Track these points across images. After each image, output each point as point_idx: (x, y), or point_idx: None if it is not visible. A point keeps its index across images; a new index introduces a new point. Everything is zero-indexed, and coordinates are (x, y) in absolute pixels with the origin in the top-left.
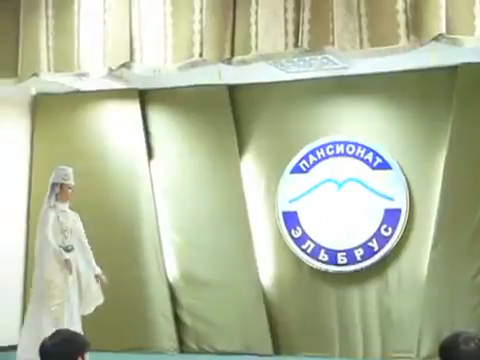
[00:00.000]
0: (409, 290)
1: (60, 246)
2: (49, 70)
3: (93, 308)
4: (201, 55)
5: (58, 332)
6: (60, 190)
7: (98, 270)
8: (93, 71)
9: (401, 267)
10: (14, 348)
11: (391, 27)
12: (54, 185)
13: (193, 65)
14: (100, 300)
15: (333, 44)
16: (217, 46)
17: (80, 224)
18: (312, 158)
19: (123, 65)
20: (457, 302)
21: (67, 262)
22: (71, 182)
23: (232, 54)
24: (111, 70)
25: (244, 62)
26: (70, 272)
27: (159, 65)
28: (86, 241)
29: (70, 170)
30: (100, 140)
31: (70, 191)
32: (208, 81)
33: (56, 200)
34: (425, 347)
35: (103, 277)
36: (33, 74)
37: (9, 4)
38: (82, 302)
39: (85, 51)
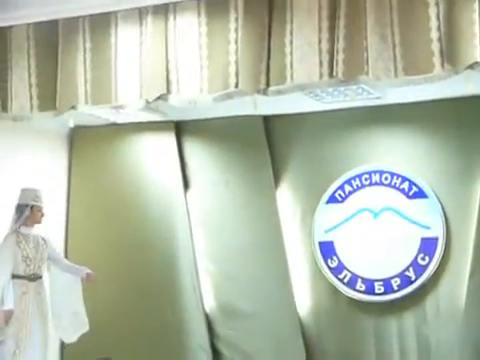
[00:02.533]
0: (447, 319)
1: (20, 276)
2: (86, 102)
3: (76, 336)
4: (237, 86)
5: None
6: (30, 213)
7: (85, 270)
8: (130, 103)
9: (439, 296)
10: None
11: (425, 56)
12: (23, 207)
13: (229, 96)
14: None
15: (367, 74)
16: (252, 77)
17: (50, 248)
18: (348, 188)
19: (159, 97)
20: None
21: (4, 314)
22: (42, 204)
23: (267, 84)
24: (148, 102)
25: (279, 92)
26: (5, 324)
27: (195, 96)
28: (64, 260)
29: (40, 191)
30: (137, 172)
31: (40, 214)
32: (243, 112)
33: (22, 224)
34: None
35: (92, 274)
36: (71, 107)
37: (47, 37)
38: (59, 330)
39: (122, 84)
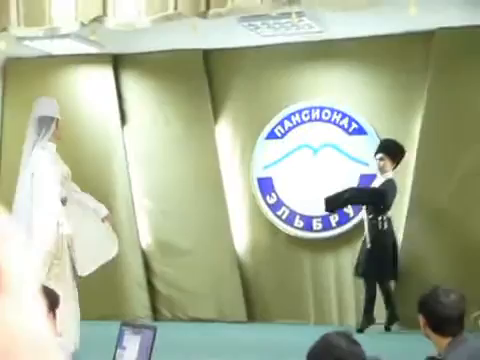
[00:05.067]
0: None
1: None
2: (19, 25)
3: (94, 266)
4: (176, 8)
5: None
6: (56, 127)
7: (104, 211)
8: (64, 26)
9: None
10: None
11: None
12: (48, 119)
13: (168, 18)
14: (111, 252)
15: None
16: None
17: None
18: (287, 124)
19: (95, 19)
20: (432, 269)
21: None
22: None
23: (207, 7)
24: (83, 24)
25: (220, 15)
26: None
27: (132, 19)
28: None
29: None
30: (73, 105)
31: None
32: (182, 45)
33: (49, 140)
34: (403, 315)
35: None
36: (2, 29)
37: None
38: (77, 261)
39: (56, 5)
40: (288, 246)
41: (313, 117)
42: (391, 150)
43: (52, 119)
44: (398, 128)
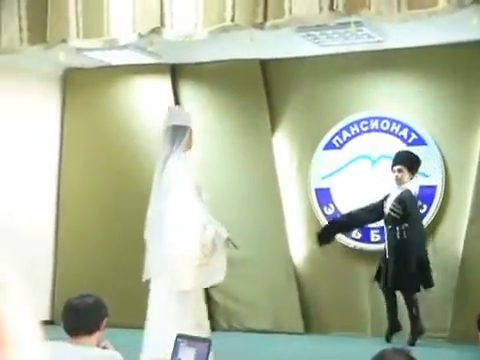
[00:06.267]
0: (444, 268)
1: None
2: (78, 36)
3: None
4: (233, 19)
5: (88, 294)
6: (189, 137)
7: (224, 234)
8: (122, 37)
9: (436, 245)
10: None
11: None
12: (182, 128)
13: (225, 30)
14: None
15: (369, 8)
16: (249, 10)
17: None
18: (346, 134)
19: (153, 31)
20: None
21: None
22: None
23: (265, 18)
24: (141, 36)
25: (277, 27)
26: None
27: (190, 30)
28: None
29: None
30: (131, 115)
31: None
32: (240, 55)
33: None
34: (459, 327)
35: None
36: (62, 40)
37: None
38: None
39: (114, 17)
40: (345, 257)
41: (372, 127)
42: (408, 161)
43: (186, 128)
44: (458, 139)
